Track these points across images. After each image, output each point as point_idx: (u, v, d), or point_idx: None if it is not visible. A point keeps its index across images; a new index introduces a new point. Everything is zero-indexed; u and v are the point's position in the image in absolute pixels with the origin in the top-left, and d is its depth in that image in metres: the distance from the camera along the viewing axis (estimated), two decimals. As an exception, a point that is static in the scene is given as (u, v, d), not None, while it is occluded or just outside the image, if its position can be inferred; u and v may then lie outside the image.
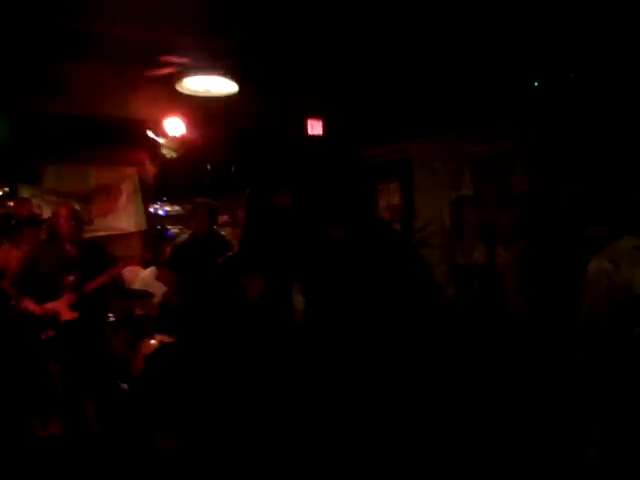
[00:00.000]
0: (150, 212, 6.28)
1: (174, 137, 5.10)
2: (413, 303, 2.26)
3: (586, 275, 2.22)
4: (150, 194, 6.24)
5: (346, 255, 2.35)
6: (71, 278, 3.45)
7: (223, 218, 5.87)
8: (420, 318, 2.26)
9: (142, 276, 4.95)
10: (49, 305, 3.41)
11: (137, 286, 4.83)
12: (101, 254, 3.69)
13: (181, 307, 4.13)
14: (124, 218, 6.04)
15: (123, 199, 6.06)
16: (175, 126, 4.96)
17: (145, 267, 4.94)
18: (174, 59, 3.93)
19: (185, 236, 4.31)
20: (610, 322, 2.13)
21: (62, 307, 3.42)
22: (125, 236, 5.99)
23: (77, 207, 3.66)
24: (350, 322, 2.24)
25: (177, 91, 4.15)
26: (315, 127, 5.40)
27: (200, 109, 4.79)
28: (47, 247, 3.54)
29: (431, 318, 2.31)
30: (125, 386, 3.98)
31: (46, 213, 5.16)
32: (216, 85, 4.07)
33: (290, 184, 2.11)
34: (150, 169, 6.14)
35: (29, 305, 3.42)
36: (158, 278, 4.24)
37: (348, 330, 2.24)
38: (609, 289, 2.14)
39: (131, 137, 5.35)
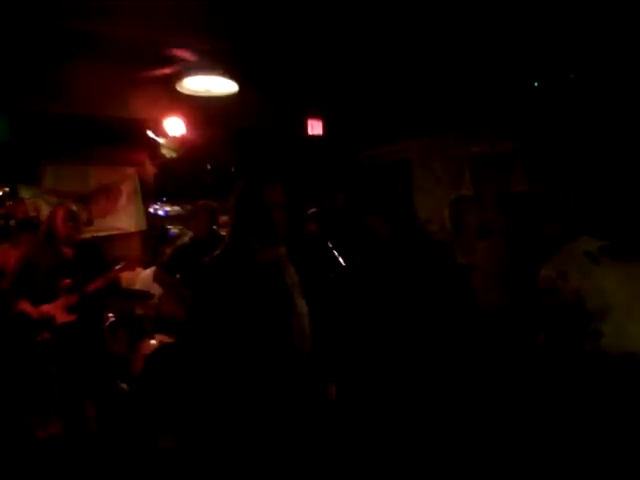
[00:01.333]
0: (150, 212, 6.27)
1: (174, 137, 5.10)
2: (455, 305, 2.24)
3: (538, 283, 2.08)
4: (150, 194, 6.24)
5: (393, 252, 2.34)
6: (67, 281, 3.44)
7: (223, 218, 5.87)
8: (459, 320, 2.24)
9: (142, 276, 4.94)
10: (45, 307, 3.40)
11: (137, 286, 4.82)
12: (98, 255, 3.67)
13: (176, 310, 4.12)
14: (124, 218, 6.04)
15: (123, 199, 6.05)
16: (175, 126, 4.96)
17: (145, 268, 4.94)
18: (174, 59, 3.93)
19: (186, 239, 4.30)
20: (559, 336, 1.99)
21: (58, 310, 3.41)
22: (125, 236, 5.99)
23: (74, 207, 3.61)
24: (398, 316, 2.22)
25: (177, 91, 4.15)
26: (315, 127, 5.40)
27: (200, 109, 4.79)
28: (44, 248, 3.51)
29: (469, 321, 2.29)
30: (125, 386, 3.98)
31: (45, 213, 5.15)
32: (216, 85, 4.07)
33: (284, 179, 2.08)
34: (150, 169, 6.13)
35: (25, 307, 3.41)
36: (155, 278, 4.23)
37: (396, 325, 2.22)
38: (558, 301, 1.99)
39: (131, 137, 5.35)
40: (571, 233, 2.15)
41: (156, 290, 4.55)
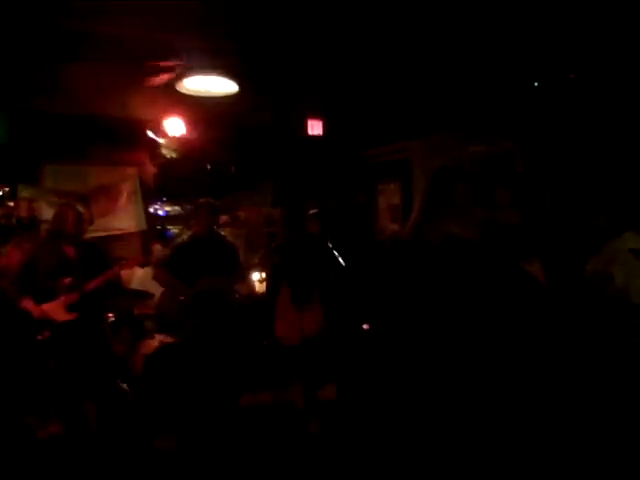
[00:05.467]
0: (150, 212, 6.28)
1: (174, 137, 5.10)
2: None
3: (585, 276, 2.11)
4: (150, 194, 6.24)
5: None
6: (67, 280, 3.45)
7: (223, 218, 5.88)
8: None
9: (138, 276, 4.96)
10: (45, 306, 3.42)
11: (133, 286, 4.84)
12: (99, 256, 3.71)
13: (175, 308, 4.13)
14: (124, 218, 6.04)
15: (123, 199, 6.05)
16: (175, 126, 4.96)
17: (143, 267, 4.96)
18: (174, 59, 3.93)
19: (184, 237, 4.30)
20: (606, 328, 2.02)
21: (58, 308, 3.43)
22: (125, 236, 5.99)
23: (81, 209, 3.68)
24: None
25: (177, 91, 4.14)
26: (315, 127, 5.40)
27: (200, 109, 4.79)
28: (47, 247, 3.55)
29: None
30: (125, 386, 3.98)
31: (46, 213, 5.16)
32: (216, 85, 4.07)
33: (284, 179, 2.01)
34: (150, 169, 6.13)
35: (28, 305, 3.43)
36: (154, 278, 4.23)
37: None
38: (604, 294, 2.02)
39: (131, 137, 5.35)
40: (615, 228, 2.16)
41: (153, 289, 4.58)
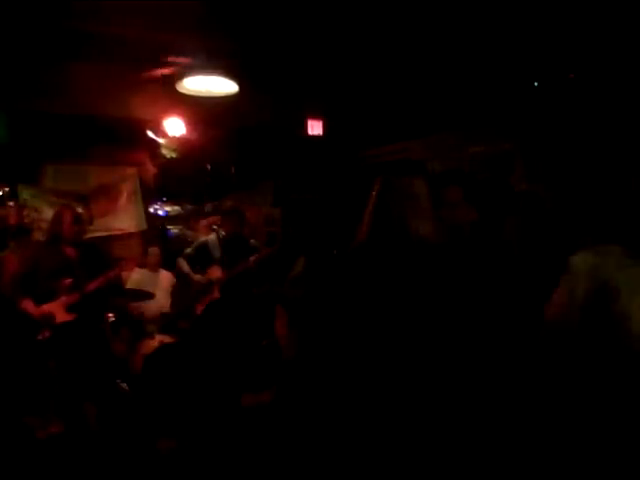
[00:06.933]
0: (150, 212, 6.28)
1: (174, 137, 5.10)
2: None
3: (567, 267, 1.88)
4: (150, 194, 6.24)
5: None
6: (68, 280, 3.46)
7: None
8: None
9: (135, 277, 4.97)
10: (45, 307, 3.43)
11: (130, 286, 4.85)
12: (99, 257, 3.72)
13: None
14: (124, 218, 6.05)
15: (123, 199, 6.06)
16: (175, 126, 4.96)
17: (140, 267, 4.98)
18: (174, 59, 3.93)
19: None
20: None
21: (58, 309, 3.43)
22: (125, 236, 6.00)
23: (80, 210, 3.70)
24: None
25: (177, 91, 4.15)
26: (315, 127, 5.40)
27: (200, 109, 4.79)
28: (47, 249, 3.56)
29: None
30: (125, 386, 3.98)
31: (46, 213, 5.17)
32: (216, 85, 4.07)
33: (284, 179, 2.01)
34: (150, 169, 6.14)
35: (28, 306, 3.43)
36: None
37: None
38: (586, 290, 1.80)
39: (131, 137, 5.36)
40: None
41: (149, 289, 4.59)
